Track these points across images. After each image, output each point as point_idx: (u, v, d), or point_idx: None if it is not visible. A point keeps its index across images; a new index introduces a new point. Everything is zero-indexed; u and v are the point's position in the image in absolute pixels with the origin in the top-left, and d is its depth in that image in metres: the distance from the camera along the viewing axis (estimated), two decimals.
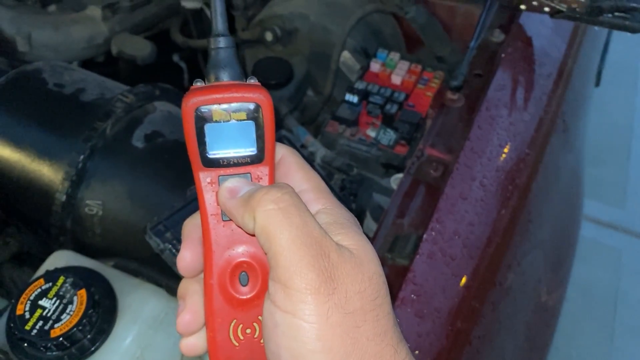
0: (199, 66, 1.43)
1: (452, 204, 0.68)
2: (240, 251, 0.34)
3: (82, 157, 0.75)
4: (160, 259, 0.70)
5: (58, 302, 0.62)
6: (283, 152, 0.36)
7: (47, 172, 0.77)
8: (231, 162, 0.33)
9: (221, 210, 0.34)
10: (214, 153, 0.33)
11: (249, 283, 0.34)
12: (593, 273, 2.23)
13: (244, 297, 0.34)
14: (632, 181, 2.65)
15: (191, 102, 0.32)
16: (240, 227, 0.33)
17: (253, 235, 0.33)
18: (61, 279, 0.63)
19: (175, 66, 1.39)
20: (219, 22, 0.33)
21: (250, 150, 0.33)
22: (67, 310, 0.61)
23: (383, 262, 0.67)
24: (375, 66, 1.06)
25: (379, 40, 1.17)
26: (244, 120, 0.32)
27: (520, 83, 0.81)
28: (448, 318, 0.61)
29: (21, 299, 0.62)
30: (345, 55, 1.12)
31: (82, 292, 0.62)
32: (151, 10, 1.31)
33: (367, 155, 0.91)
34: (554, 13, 0.84)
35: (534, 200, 0.75)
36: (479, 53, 0.88)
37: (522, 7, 0.85)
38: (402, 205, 0.72)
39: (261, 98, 0.32)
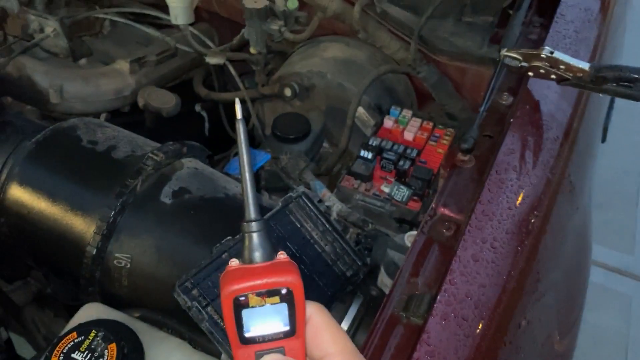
0: (219, 115, 1.49)
1: (464, 266, 0.71)
2: None
3: (113, 212, 0.80)
4: (183, 312, 0.73)
5: (89, 355, 0.65)
6: (312, 311, 0.38)
7: (79, 225, 0.81)
8: (266, 339, 0.37)
9: None
10: (249, 332, 0.36)
11: None
12: (603, 319, 2.22)
13: None
14: None
15: (230, 291, 0.36)
16: None
17: None
18: (93, 333, 0.67)
19: (197, 114, 1.45)
20: (252, 209, 0.38)
21: (283, 328, 0.37)
22: None
23: (398, 320, 0.70)
24: (388, 123, 1.11)
25: (392, 97, 1.23)
26: (278, 303, 0.36)
27: (528, 147, 0.86)
28: None
29: (55, 352, 0.65)
30: (360, 111, 1.17)
31: (113, 346, 0.66)
32: (176, 64, 1.38)
33: (382, 210, 0.96)
34: (561, 80, 0.89)
35: (543, 261, 0.78)
36: (489, 115, 0.93)
37: (530, 74, 0.90)
38: (417, 264, 0.75)
39: (292, 282, 0.36)
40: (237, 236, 0.75)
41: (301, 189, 0.88)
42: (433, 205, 0.82)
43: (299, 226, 0.79)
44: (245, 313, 0.36)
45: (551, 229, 0.82)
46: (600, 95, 0.88)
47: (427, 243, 0.78)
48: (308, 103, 1.23)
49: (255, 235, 0.37)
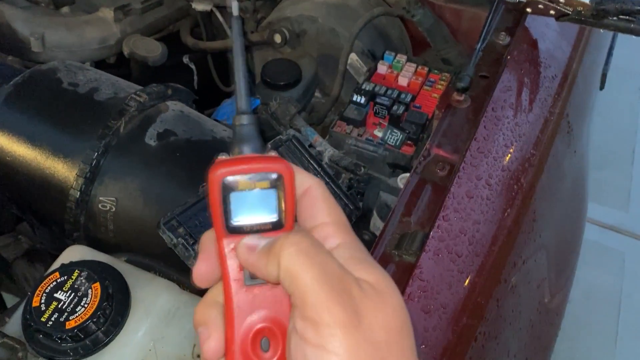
0: (208, 68, 1.45)
1: (458, 203, 0.69)
2: (262, 316, 0.35)
3: (96, 154, 0.77)
4: (171, 256, 0.71)
5: (73, 294, 0.63)
6: (311, 183, 0.37)
7: (62, 169, 0.79)
8: (254, 229, 0.35)
9: (244, 276, 0.35)
10: (237, 220, 0.34)
11: (270, 349, 0.35)
12: (597, 275, 2.24)
13: None
14: (635, 185, 2.66)
15: (219, 173, 0.34)
16: (263, 280, 0.35)
17: (277, 284, 0.34)
18: (76, 273, 0.65)
19: (185, 67, 1.41)
20: (243, 101, 0.36)
21: (271, 217, 0.35)
22: (82, 303, 0.62)
23: (390, 259, 0.68)
24: (382, 68, 1.08)
25: (386, 43, 1.19)
26: (267, 188, 0.34)
27: (526, 85, 0.83)
28: (454, 314, 0.62)
29: (37, 292, 0.63)
30: (353, 57, 1.13)
31: (97, 286, 0.64)
32: (162, 13, 1.33)
33: (374, 155, 0.93)
34: (560, 16, 0.85)
35: (539, 200, 0.76)
36: (485, 55, 0.90)
37: (528, 10, 0.87)
38: (409, 204, 0.73)
39: (283, 168, 0.34)
40: None
41: (291, 132, 0.86)
42: (427, 146, 0.80)
43: None
44: (233, 197, 0.34)
45: (548, 168, 0.80)
46: (601, 31, 0.85)
47: (420, 183, 0.76)
48: (299, 50, 1.19)
49: (245, 128, 0.36)
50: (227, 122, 0.95)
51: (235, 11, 0.37)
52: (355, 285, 0.33)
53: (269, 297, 0.35)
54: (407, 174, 0.84)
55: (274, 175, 0.34)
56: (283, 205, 0.35)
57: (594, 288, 2.19)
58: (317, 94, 1.22)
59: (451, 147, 0.79)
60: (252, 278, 0.35)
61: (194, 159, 0.80)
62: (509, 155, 0.75)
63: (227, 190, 0.34)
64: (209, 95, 1.38)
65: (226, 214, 0.34)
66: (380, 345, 0.32)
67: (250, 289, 0.35)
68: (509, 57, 0.85)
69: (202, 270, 0.37)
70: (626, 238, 2.47)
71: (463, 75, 0.81)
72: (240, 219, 0.34)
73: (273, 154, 0.36)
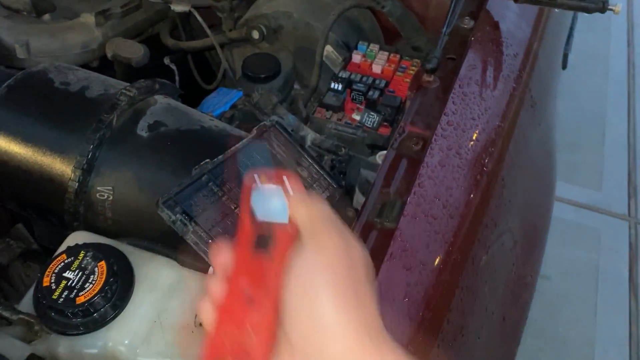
0: (189, 67, 1.49)
1: (431, 171, 0.76)
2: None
3: (91, 147, 0.81)
4: (168, 240, 0.76)
5: (81, 273, 0.68)
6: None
7: (59, 164, 0.83)
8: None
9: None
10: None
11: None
12: (574, 253, 2.32)
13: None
14: (607, 165, 2.75)
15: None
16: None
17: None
18: (82, 253, 0.69)
19: (167, 68, 1.45)
20: None
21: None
22: (90, 280, 0.67)
23: (372, 226, 0.74)
24: (356, 57, 1.14)
25: (359, 34, 1.25)
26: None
27: (490, 63, 0.90)
28: (433, 270, 0.69)
29: (47, 272, 0.68)
30: (329, 49, 1.19)
31: (102, 264, 0.68)
32: (141, 16, 1.38)
33: (354, 137, 0.99)
34: None
35: (507, 168, 0.83)
36: (451, 39, 0.96)
37: None
38: (388, 176, 0.79)
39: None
40: (215, 159, 0.78)
41: (275, 118, 0.91)
42: (401, 124, 0.86)
43: (274, 153, 0.82)
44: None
45: (514, 138, 0.87)
46: (556, 11, 0.91)
47: (397, 157, 0.82)
48: (277, 45, 1.24)
49: None
50: (212, 114, 1.00)
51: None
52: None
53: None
54: (385, 152, 0.90)
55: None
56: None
57: (572, 265, 2.28)
58: (296, 85, 1.27)
59: (423, 124, 0.86)
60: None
61: (184, 147, 0.85)
62: (477, 126, 0.81)
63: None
64: (192, 94, 1.43)
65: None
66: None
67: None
68: (472, 38, 0.91)
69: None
70: (601, 216, 2.56)
71: (431, 58, 0.88)
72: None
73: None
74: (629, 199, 2.67)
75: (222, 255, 0.43)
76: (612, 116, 3.04)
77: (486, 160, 0.80)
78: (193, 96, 1.42)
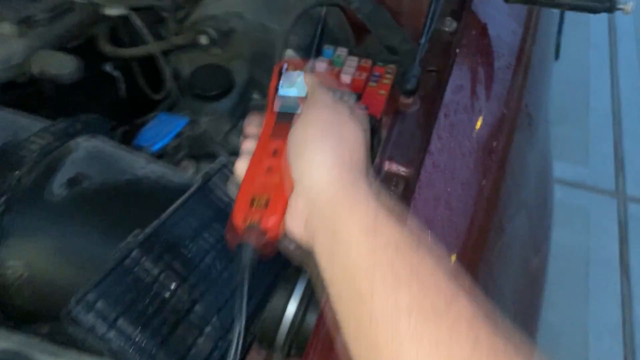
0: (135, 74, 1.32)
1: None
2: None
3: None
4: None
5: None
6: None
7: None
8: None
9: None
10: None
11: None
12: (563, 234, 2.23)
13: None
14: (593, 139, 2.66)
15: None
16: None
17: None
18: None
19: (109, 77, 1.28)
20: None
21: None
22: None
23: None
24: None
25: (325, 34, 1.09)
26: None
27: (479, 80, 0.75)
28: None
29: None
30: (289, 54, 1.03)
31: None
32: (74, 19, 1.19)
33: None
34: None
35: (503, 212, 0.69)
36: (432, 46, 0.81)
37: None
38: None
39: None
40: (147, 228, 0.63)
41: (223, 159, 0.76)
42: (377, 160, 0.71)
43: (222, 207, 0.67)
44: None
45: (511, 170, 0.73)
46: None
47: None
48: (230, 51, 1.08)
49: None
50: (147, 148, 0.84)
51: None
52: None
53: None
54: None
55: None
56: None
57: (561, 247, 2.19)
58: (255, 95, 1.11)
59: (404, 159, 0.71)
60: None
61: (113, 206, 0.69)
62: (469, 167, 0.67)
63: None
64: (139, 103, 1.26)
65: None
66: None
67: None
68: (457, 49, 0.76)
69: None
70: (589, 193, 2.48)
71: (409, 77, 0.73)
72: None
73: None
74: (616, 172, 2.58)
75: (255, 121, 0.59)
76: (595, 85, 2.94)
77: (481, 208, 0.66)
78: (142, 106, 1.25)
